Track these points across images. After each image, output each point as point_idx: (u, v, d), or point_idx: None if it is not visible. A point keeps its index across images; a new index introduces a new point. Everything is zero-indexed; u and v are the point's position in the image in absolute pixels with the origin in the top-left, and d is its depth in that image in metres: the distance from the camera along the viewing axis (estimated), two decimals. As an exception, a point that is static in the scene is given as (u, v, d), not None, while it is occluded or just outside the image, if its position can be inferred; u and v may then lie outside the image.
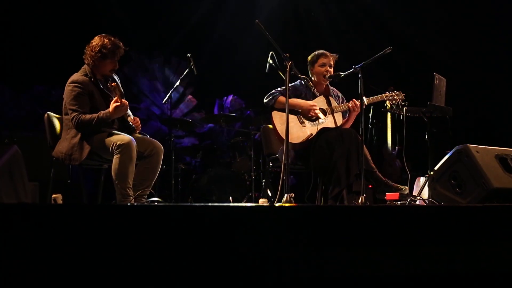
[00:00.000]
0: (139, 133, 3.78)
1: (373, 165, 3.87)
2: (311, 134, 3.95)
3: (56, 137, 3.70)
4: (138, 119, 3.77)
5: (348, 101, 4.19)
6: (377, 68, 6.52)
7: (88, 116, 3.49)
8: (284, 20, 7.71)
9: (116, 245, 1.68)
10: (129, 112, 3.75)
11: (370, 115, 6.35)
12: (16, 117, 6.79)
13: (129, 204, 3.22)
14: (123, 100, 3.52)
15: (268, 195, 5.48)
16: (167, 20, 7.67)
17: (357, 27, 7.64)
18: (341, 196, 3.80)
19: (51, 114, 3.80)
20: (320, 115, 4.01)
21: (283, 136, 3.51)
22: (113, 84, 3.54)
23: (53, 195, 4.04)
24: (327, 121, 4.04)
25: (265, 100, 4.04)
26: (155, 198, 4.91)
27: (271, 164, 4.34)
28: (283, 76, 3.43)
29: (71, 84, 3.55)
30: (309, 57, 4.21)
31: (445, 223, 2.11)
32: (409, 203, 3.69)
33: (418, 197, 3.92)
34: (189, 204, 2.93)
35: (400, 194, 3.72)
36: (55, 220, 1.66)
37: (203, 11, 7.72)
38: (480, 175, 3.34)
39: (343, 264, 1.89)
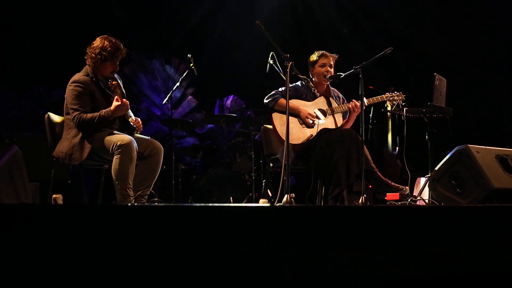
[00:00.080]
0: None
1: (373, 165, 3.86)
2: (311, 135, 3.95)
3: (57, 138, 3.70)
4: (139, 120, 3.78)
5: (348, 101, 4.19)
6: (377, 68, 6.54)
7: (89, 115, 3.50)
8: (284, 20, 7.71)
9: (117, 246, 1.68)
10: (131, 112, 3.75)
11: (371, 115, 6.35)
12: (16, 117, 6.78)
13: (129, 204, 3.22)
14: (124, 99, 3.53)
15: (269, 195, 5.48)
16: (167, 20, 7.67)
17: (357, 27, 7.64)
18: (341, 196, 3.80)
19: (52, 114, 3.80)
20: (320, 119, 4.01)
21: (283, 137, 3.51)
22: (113, 82, 3.55)
23: (54, 196, 4.03)
24: (327, 122, 4.04)
25: (265, 101, 4.04)
26: (156, 199, 4.92)
27: (271, 165, 4.34)
28: (283, 77, 3.43)
29: (73, 84, 3.56)
30: (309, 58, 4.21)
31: (446, 223, 2.11)
32: (409, 203, 3.69)
33: (419, 198, 3.92)
34: (189, 204, 2.93)
35: (400, 194, 3.72)
36: (56, 221, 1.66)
37: (203, 11, 7.72)
38: (480, 175, 3.34)
39: (343, 264, 1.90)
